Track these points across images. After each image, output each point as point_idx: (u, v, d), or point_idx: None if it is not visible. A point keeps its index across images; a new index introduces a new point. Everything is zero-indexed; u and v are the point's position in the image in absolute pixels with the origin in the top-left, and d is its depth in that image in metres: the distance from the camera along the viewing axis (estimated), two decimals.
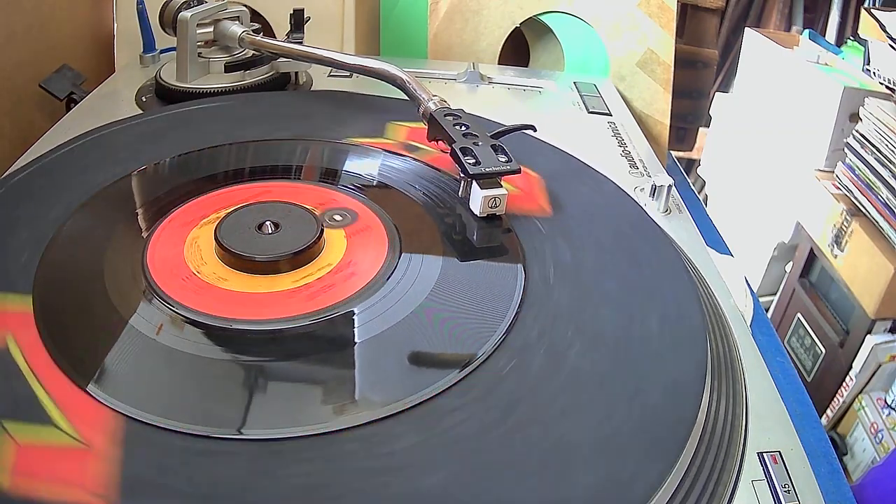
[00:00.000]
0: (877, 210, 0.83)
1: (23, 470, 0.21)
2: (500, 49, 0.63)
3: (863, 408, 0.85)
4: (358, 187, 0.37)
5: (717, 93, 1.37)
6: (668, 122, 0.64)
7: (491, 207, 0.34)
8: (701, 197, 1.16)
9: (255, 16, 0.58)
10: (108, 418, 0.23)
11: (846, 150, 0.89)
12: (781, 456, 0.26)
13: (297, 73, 0.53)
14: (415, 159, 0.40)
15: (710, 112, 1.30)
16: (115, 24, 0.60)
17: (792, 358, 1.00)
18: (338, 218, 0.34)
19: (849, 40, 1.22)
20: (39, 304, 0.27)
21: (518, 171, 0.34)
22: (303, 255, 0.31)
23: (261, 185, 0.37)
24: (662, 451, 0.23)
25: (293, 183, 0.37)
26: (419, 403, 0.24)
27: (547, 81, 0.59)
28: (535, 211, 0.35)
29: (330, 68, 0.54)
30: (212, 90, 0.48)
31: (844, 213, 0.88)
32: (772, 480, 0.25)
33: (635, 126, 0.53)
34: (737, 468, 0.25)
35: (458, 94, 0.55)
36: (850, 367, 0.87)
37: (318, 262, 0.31)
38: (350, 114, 0.45)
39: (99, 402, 0.23)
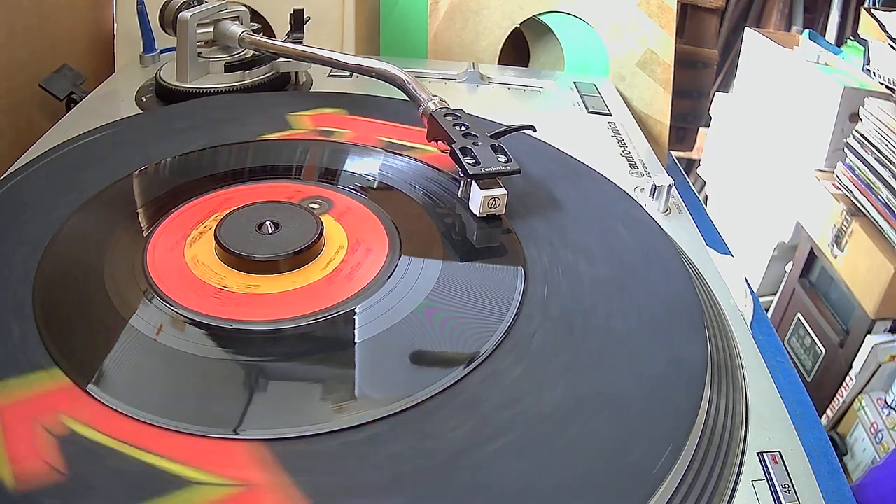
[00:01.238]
0: (877, 210, 0.83)
1: None
2: (500, 49, 0.63)
3: (863, 408, 0.85)
4: (358, 187, 0.37)
5: (717, 93, 1.37)
6: (668, 122, 0.64)
7: (491, 207, 0.34)
8: (701, 197, 1.16)
9: (255, 16, 0.58)
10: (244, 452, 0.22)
11: (846, 150, 0.89)
12: (781, 456, 0.26)
13: (297, 73, 0.53)
14: (413, 158, 0.40)
15: (710, 112, 1.30)
16: (115, 24, 0.60)
17: (792, 358, 1.00)
18: (315, 206, 0.34)
19: (849, 40, 1.22)
20: (40, 305, 0.27)
21: (518, 172, 0.34)
22: (303, 255, 0.31)
23: (261, 185, 0.37)
24: (662, 451, 0.23)
25: (293, 183, 0.37)
26: (420, 403, 0.24)
27: (547, 81, 0.59)
28: None
29: (330, 68, 0.54)
30: (212, 90, 0.48)
31: (844, 213, 0.88)
32: (772, 480, 0.25)
33: (635, 126, 0.53)
34: (737, 468, 0.25)
35: (458, 94, 0.55)
36: (850, 367, 0.87)
37: (319, 262, 0.31)
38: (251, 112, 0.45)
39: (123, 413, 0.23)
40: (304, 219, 0.32)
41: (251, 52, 0.51)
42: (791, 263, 1.05)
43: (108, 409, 0.23)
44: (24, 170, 0.37)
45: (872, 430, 0.83)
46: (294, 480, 0.21)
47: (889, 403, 0.83)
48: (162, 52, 0.56)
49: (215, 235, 0.31)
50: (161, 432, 0.22)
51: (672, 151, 0.77)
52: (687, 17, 0.79)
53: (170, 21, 0.49)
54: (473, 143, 0.35)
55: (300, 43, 0.49)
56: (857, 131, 0.88)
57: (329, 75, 0.55)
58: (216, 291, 0.29)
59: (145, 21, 0.54)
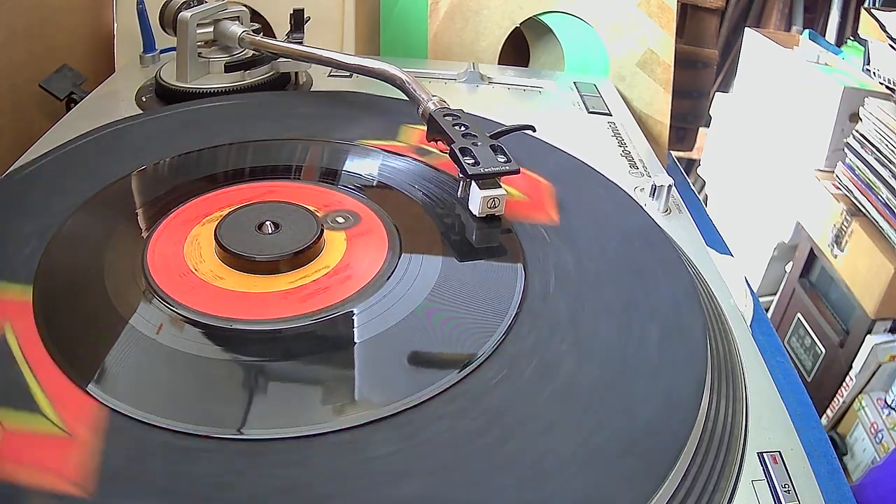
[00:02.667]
0: (877, 210, 0.83)
1: (6, 454, 0.21)
2: (500, 49, 0.63)
3: (863, 408, 0.85)
4: (358, 187, 0.37)
5: (717, 93, 1.37)
6: (668, 122, 0.64)
7: (490, 208, 0.34)
8: (701, 197, 1.16)
9: (255, 16, 0.58)
10: (93, 410, 0.23)
11: (846, 150, 0.89)
12: (781, 456, 0.26)
13: (297, 73, 0.53)
14: (423, 162, 0.40)
15: (710, 112, 1.30)
16: (115, 24, 0.60)
17: (792, 358, 1.00)
18: (340, 220, 0.34)
19: (849, 40, 1.22)
20: (40, 305, 0.27)
21: (517, 172, 0.34)
22: (303, 255, 0.31)
23: (261, 185, 0.37)
24: (663, 452, 0.23)
25: (293, 183, 0.37)
26: (418, 404, 0.24)
27: (547, 81, 0.59)
28: (542, 220, 0.35)
29: (330, 68, 0.54)
30: (212, 90, 0.48)
31: (844, 213, 0.88)
32: (772, 480, 0.25)
33: (635, 126, 0.53)
34: (737, 468, 0.25)
35: (458, 94, 0.55)
36: (850, 367, 0.87)
37: (319, 262, 0.31)
38: (361, 115, 0.45)
39: (90, 395, 0.23)
40: (304, 219, 0.32)
41: (251, 52, 0.51)
42: (791, 263, 1.05)
43: (94, 400, 0.23)
44: (24, 170, 0.37)
45: (872, 430, 0.83)
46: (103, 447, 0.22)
47: (889, 403, 0.82)
48: (162, 52, 0.56)
49: (215, 235, 0.31)
50: None
51: (672, 151, 0.77)
52: (687, 17, 0.79)
53: (170, 21, 0.49)
54: (473, 144, 0.35)
55: (300, 43, 0.49)
56: (857, 131, 0.88)
57: (329, 75, 0.55)
58: (216, 291, 0.29)
59: (145, 21, 0.54)
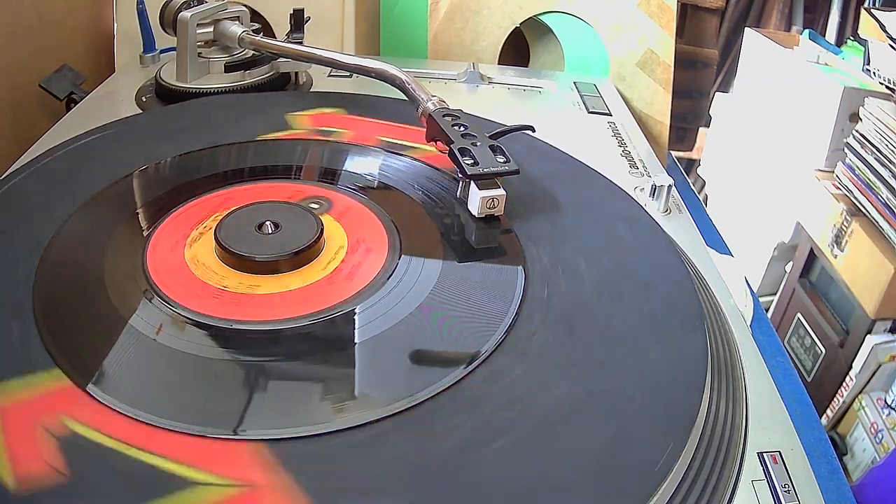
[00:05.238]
0: (877, 210, 0.83)
1: None
2: (500, 49, 0.63)
3: (863, 408, 0.85)
4: (358, 187, 0.37)
5: (717, 93, 1.37)
6: (668, 122, 0.64)
7: (489, 208, 0.34)
8: (701, 197, 1.16)
9: (255, 16, 0.58)
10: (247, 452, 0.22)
11: (846, 150, 0.89)
12: (781, 456, 0.26)
13: (297, 73, 0.53)
14: (414, 158, 0.40)
15: (710, 112, 1.30)
16: (115, 24, 0.60)
17: (792, 358, 1.00)
18: (314, 206, 0.34)
19: (849, 40, 1.22)
20: (40, 305, 0.27)
21: (517, 172, 0.34)
22: (303, 255, 0.31)
23: (261, 185, 0.37)
24: (662, 451, 0.23)
25: (293, 183, 0.37)
26: (420, 403, 0.24)
27: (547, 81, 0.59)
28: None
29: (330, 68, 0.54)
30: (212, 90, 0.48)
31: (844, 213, 0.88)
32: (772, 480, 0.25)
33: (635, 126, 0.53)
34: (737, 468, 0.25)
35: (458, 94, 0.55)
36: (850, 367, 0.87)
37: (319, 262, 0.31)
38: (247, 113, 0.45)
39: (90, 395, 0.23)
40: (304, 219, 0.32)
41: (251, 52, 0.51)
42: (791, 263, 1.05)
43: (109, 410, 0.23)
44: (24, 170, 0.37)
45: (872, 430, 0.83)
46: (295, 480, 0.21)
47: (889, 403, 0.82)
48: (162, 52, 0.56)
49: (215, 235, 0.31)
50: (161, 432, 0.22)
51: (672, 151, 0.77)
52: (687, 17, 0.79)
53: (170, 21, 0.49)
54: (472, 144, 0.35)
55: (300, 43, 0.49)
56: (857, 131, 0.88)
57: (329, 75, 0.55)
58: (216, 291, 0.29)
59: (145, 21, 0.54)
